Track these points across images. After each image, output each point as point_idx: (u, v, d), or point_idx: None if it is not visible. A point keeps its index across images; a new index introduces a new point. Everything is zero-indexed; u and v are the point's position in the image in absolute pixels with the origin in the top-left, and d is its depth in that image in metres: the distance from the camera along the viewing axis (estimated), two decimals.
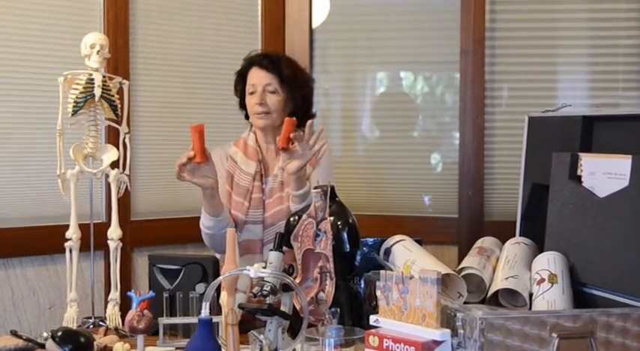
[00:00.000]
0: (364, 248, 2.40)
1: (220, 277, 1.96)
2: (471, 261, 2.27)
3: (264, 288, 1.97)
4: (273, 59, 2.82)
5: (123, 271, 2.70)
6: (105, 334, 2.35)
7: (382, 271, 1.89)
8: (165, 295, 2.39)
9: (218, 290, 2.03)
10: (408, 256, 2.25)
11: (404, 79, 3.89)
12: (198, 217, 2.71)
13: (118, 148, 2.57)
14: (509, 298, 2.15)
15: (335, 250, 2.14)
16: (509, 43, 3.65)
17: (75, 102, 2.47)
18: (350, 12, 3.90)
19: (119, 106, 2.55)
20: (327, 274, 2.15)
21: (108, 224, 2.54)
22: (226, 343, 1.91)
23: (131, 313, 2.16)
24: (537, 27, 3.61)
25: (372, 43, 3.88)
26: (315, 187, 2.23)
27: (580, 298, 2.07)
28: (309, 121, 2.50)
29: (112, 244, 2.51)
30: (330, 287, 2.15)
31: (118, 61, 3.31)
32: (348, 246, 2.23)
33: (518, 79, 3.65)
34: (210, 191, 2.57)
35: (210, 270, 2.46)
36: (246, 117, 2.87)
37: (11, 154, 3.14)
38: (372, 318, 1.89)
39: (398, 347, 1.77)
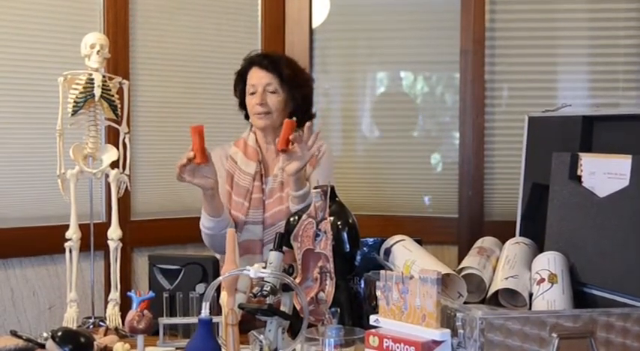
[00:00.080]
0: (364, 248, 2.40)
1: (220, 277, 1.96)
2: (471, 261, 2.27)
3: (264, 288, 1.97)
4: (273, 59, 2.81)
5: (123, 271, 2.70)
6: (105, 335, 2.35)
7: (382, 271, 1.89)
8: (166, 295, 2.39)
9: (218, 290, 2.02)
10: (408, 256, 2.25)
11: (404, 79, 3.88)
12: (199, 218, 2.70)
13: (117, 148, 2.57)
14: (509, 298, 2.15)
15: (335, 250, 2.14)
16: (509, 43, 3.65)
17: (75, 102, 2.47)
18: (350, 12, 3.89)
19: (119, 106, 2.55)
20: (327, 274, 2.14)
21: (108, 224, 2.54)
22: (226, 343, 1.91)
23: (131, 313, 2.16)
24: (537, 27, 3.60)
25: (372, 43, 3.87)
26: (315, 187, 2.23)
27: (580, 298, 2.07)
28: (308, 123, 2.50)
29: (112, 244, 2.51)
30: (330, 287, 2.14)
31: (118, 61, 3.30)
32: (348, 246, 2.23)
33: (518, 79, 3.64)
34: (211, 192, 2.57)
35: (210, 270, 2.46)
36: (246, 117, 2.87)
37: (11, 154, 3.13)
38: (372, 318, 1.89)
39: (398, 347, 1.77)
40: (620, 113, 2.44)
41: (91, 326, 2.48)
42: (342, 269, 2.19)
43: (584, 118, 2.34)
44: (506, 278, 2.14)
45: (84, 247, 2.50)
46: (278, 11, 3.86)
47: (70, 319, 2.43)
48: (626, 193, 2.00)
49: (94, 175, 2.53)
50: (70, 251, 2.46)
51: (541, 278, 2.07)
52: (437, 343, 1.75)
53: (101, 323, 2.47)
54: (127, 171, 2.58)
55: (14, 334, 2.11)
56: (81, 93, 2.47)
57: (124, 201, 3.20)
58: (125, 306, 2.34)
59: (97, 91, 2.48)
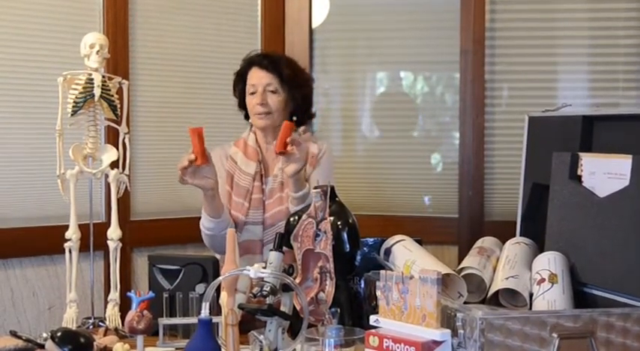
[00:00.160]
0: (364, 248, 2.39)
1: (220, 278, 1.96)
2: (471, 261, 2.27)
3: (264, 288, 1.96)
4: (273, 59, 2.81)
5: (122, 272, 2.69)
6: (105, 335, 2.35)
7: (382, 271, 1.89)
8: (165, 295, 2.39)
9: (218, 290, 2.02)
10: (408, 256, 2.25)
11: (404, 79, 3.88)
12: (198, 218, 2.70)
13: (117, 148, 2.56)
14: (509, 298, 2.15)
15: (335, 250, 2.13)
16: (509, 43, 3.64)
17: (74, 102, 2.47)
18: (350, 12, 3.89)
19: (119, 106, 2.55)
20: (327, 274, 2.14)
21: (107, 224, 2.54)
22: (226, 343, 1.91)
23: (131, 314, 2.15)
24: (537, 27, 3.60)
25: (372, 42, 3.87)
26: (315, 187, 2.23)
27: (580, 298, 2.07)
28: (303, 127, 2.49)
29: (111, 245, 2.51)
30: (330, 287, 2.14)
31: (118, 61, 3.30)
32: (348, 246, 2.22)
33: (518, 78, 3.64)
34: (211, 192, 2.57)
35: (210, 270, 2.46)
36: (246, 117, 2.87)
37: (11, 155, 3.13)
38: (372, 318, 1.89)
39: (398, 347, 1.76)
40: (621, 113, 2.44)
41: (91, 326, 2.47)
42: (342, 269, 2.19)
43: (584, 117, 2.34)
44: (507, 278, 2.14)
45: (84, 248, 2.50)
46: (278, 11, 3.86)
47: (70, 319, 2.43)
48: (626, 193, 2.00)
49: (94, 176, 2.52)
50: (70, 251, 2.46)
51: (541, 278, 2.07)
52: (437, 343, 1.75)
53: (101, 323, 2.47)
54: (126, 171, 2.57)
55: (14, 334, 2.11)
56: (80, 93, 2.47)
57: (124, 201, 3.19)
58: (125, 306, 2.33)
59: (97, 91, 2.48)
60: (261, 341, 1.95)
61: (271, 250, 2.05)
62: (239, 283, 2.03)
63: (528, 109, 2.63)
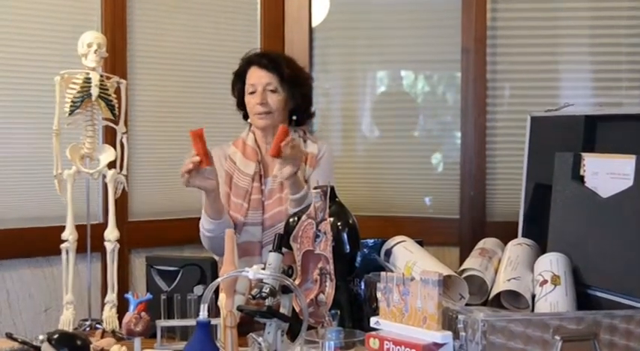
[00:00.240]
0: (364, 249, 2.39)
1: (219, 279, 1.95)
2: (472, 262, 2.27)
3: (263, 290, 1.96)
4: (272, 58, 2.81)
5: (120, 273, 2.68)
6: (102, 337, 2.34)
7: (383, 273, 1.88)
8: (163, 297, 2.38)
9: (216, 292, 2.02)
10: (408, 257, 2.25)
11: (404, 78, 3.88)
12: (197, 218, 2.70)
13: (115, 149, 2.56)
14: (511, 300, 2.15)
15: (335, 252, 2.13)
16: (511, 42, 3.64)
17: (72, 101, 2.47)
18: (350, 10, 3.89)
19: (116, 105, 2.55)
20: (327, 276, 2.14)
21: (105, 225, 2.53)
22: (225, 345, 1.90)
23: (128, 316, 2.14)
24: (539, 25, 3.60)
25: (373, 41, 3.87)
26: (315, 188, 2.23)
27: (583, 299, 2.06)
28: (288, 138, 2.48)
29: (108, 246, 2.50)
30: (330, 289, 2.14)
31: (116, 60, 3.29)
32: (348, 247, 2.22)
33: (520, 78, 3.64)
34: (214, 193, 2.57)
35: (208, 271, 2.45)
36: (245, 117, 2.87)
37: (7, 155, 3.13)
38: (373, 320, 1.88)
39: (399, 350, 1.76)
40: (624, 113, 2.45)
41: (88, 329, 2.47)
42: (342, 271, 2.18)
43: (586, 117, 2.35)
44: (509, 280, 2.14)
45: (80, 249, 2.50)
46: (277, 9, 3.86)
47: (67, 321, 2.42)
48: (629, 194, 2.00)
49: (91, 176, 2.52)
50: (67, 252, 2.45)
51: (544, 280, 2.07)
52: (438, 345, 1.74)
53: (98, 326, 2.47)
54: (124, 171, 2.58)
55: (10, 336, 2.11)
56: (78, 92, 2.47)
57: (122, 202, 3.17)
58: (122, 308, 2.31)
59: (95, 91, 2.48)
60: (260, 344, 1.94)
61: (270, 251, 2.05)
62: (238, 285, 2.03)
63: (530, 109, 2.65)
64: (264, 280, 1.96)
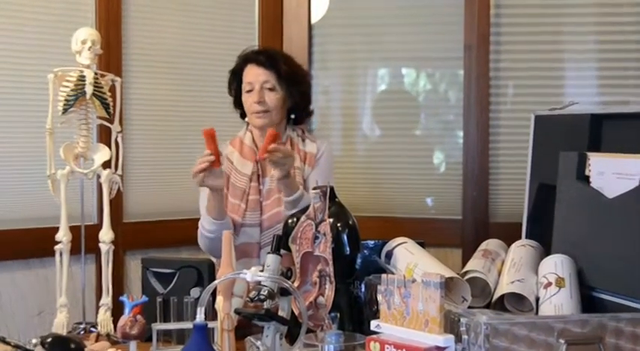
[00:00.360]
0: (365, 251, 2.39)
1: (216, 281, 1.93)
2: (475, 264, 2.28)
3: (262, 292, 1.94)
4: (269, 55, 2.80)
5: (115, 275, 2.67)
6: (96, 341, 2.34)
7: (383, 275, 1.87)
8: (159, 299, 2.38)
9: (214, 295, 2.02)
10: (410, 259, 2.26)
11: (406, 76, 3.87)
12: (193, 219, 2.70)
13: (110, 148, 2.56)
14: (515, 302, 2.16)
15: (335, 253, 2.13)
16: (515, 39, 3.63)
17: (65, 100, 2.46)
18: (350, 6, 3.89)
19: (111, 104, 2.54)
20: (327, 278, 2.14)
21: (99, 226, 2.52)
22: (222, 349, 1.92)
23: (123, 319, 2.13)
24: (544, 22, 3.59)
25: (373, 38, 3.87)
26: (315, 188, 2.23)
27: (588, 302, 2.07)
28: (272, 146, 2.47)
29: (103, 247, 2.50)
30: (329, 291, 2.14)
31: (110, 57, 3.28)
32: (348, 248, 2.22)
33: (524, 75, 3.63)
34: (221, 193, 2.58)
35: (205, 274, 2.43)
36: (242, 116, 2.86)
37: None
38: (373, 323, 1.86)
39: None
40: (630, 111, 2.45)
41: (82, 332, 2.46)
42: (341, 273, 2.18)
43: (592, 116, 2.37)
44: (512, 282, 2.15)
45: (74, 250, 2.49)
46: (276, 6, 3.86)
47: (60, 324, 2.42)
48: (636, 194, 1.99)
49: (86, 176, 2.52)
50: (61, 254, 2.45)
51: (548, 282, 2.07)
52: (440, 349, 1.73)
53: (92, 329, 2.46)
54: (119, 171, 2.58)
55: (2, 340, 2.08)
56: (72, 90, 2.46)
57: (116, 202, 3.17)
58: (117, 311, 2.31)
59: (89, 89, 2.47)
60: (258, 347, 1.93)
61: (269, 252, 2.03)
62: (235, 287, 2.03)
63: (534, 107, 2.68)
64: (262, 283, 1.94)
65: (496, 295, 2.15)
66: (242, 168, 2.76)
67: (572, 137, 2.37)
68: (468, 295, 2.12)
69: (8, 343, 2.07)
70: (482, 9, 3.55)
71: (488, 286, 2.20)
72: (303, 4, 3.85)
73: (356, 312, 2.23)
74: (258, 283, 1.94)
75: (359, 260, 2.30)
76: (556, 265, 2.10)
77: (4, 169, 3.12)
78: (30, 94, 3.10)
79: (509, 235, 2.48)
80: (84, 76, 2.46)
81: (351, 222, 2.23)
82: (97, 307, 2.51)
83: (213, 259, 2.62)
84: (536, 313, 2.07)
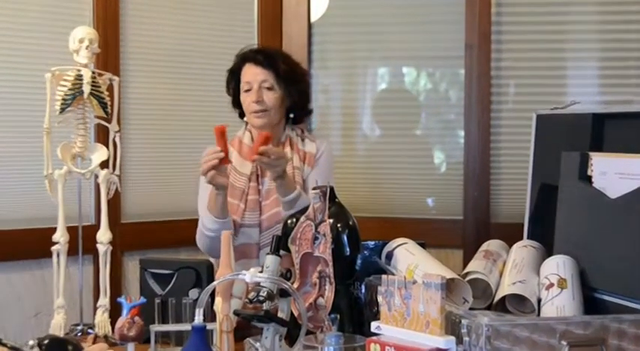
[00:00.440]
0: (365, 252, 2.38)
1: (215, 282, 1.93)
2: (476, 265, 2.27)
3: (261, 293, 1.94)
4: (267, 54, 2.80)
5: (113, 276, 2.68)
6: (94, 342, 2.34)
7: (384, 276, 1.86)
8: (157, 301, 2.35)
9: (212, 296, 2.01)
10: (410, 259, 2.25)
11: (406, 75, 3.87)
12: (192, 220, 2.70)
13: (107, 148, 2.56)
14: (516, 303, 2.15)
15: (334, 254, 2.12)
16: (516, 38, 3.63)
17: (63, 99, 2.47)
18: (350, 5, 3.89)
19: (109, 103, 2.55)
20: (327, 279, 2.14)
21: (97, 227, 2.53)
22: None
23: (121, 320, 2.13)
24: (545, 21, 3.59)
25: (373, 37, 3.86)
26: (314, 188, 2.23)
27: (591, 303, 2.06)
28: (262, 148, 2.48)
29: (101, 248, 2.50)
30: (329, 292, 2.13)
31: (108, 56, 3.28)
32: (348, 249, 2.21)
33: (525, 75, 3.63)
34: (225, 191, 2.58)
35: (204, 275, 2.43)
36: (241, 116, 2.86)
37: None
38: (374, 325, 1.86)
39: None
40: (633, 110, 2.43)
41: (79, 334, 2.47)
42: (341, 274, 2.17)
43: (594, 115, 2.36)
44: (514, 283, 2.14)
45: (72, 251, 2.49)
46: (275, 4, 3.85)
47: (58, 326, 2.42)
48: (639, 195, 1.98)
49: (83, 176, 2.52)
50: (58, 255, 2.45)
51: (550, 283, 2.06)
52: (441, 350, 1.72)
53: (90, 330, 2.46)
54: (117, 171, 2.58)
55: None
56: (69, 90, 2.47)
57: (114, 202, 3.16)
58: (115, 312, 2.31)
59: (86, 88, 2.47)
60: (257, 349, 1.94)
61: (268, 253, 2.03)
62: (234, 288, 2.03)
63: (536, 107, 2.66)
64: (261, 284, 1.94)
65: (497, 297, 2.14)
66: (241, 168, 2.75)
67: (574, 137, 2.37)
68: (469, 297, 2.11)
69: (5, 345, 2.06)
70: (484, 8, 3.55)
71: (490, 287, 2.19)
72: (302, 2, 3.84)
73: (356, 313, 2.22)
74: (258, 284, 1.94)
75: (359, 261, 2.29)
76: (558, 266, 2.08)
77: (1, 169, 3.12)
78: (27, 93, 3.10)
79: (510, 235, 2.47)
80: (81, 76, 2.47)
81: (351, 222, 2.23)
82: (95, 309, 2.51)
83: (212, 260, 2.62)
84: (538, 314, 2.06)
